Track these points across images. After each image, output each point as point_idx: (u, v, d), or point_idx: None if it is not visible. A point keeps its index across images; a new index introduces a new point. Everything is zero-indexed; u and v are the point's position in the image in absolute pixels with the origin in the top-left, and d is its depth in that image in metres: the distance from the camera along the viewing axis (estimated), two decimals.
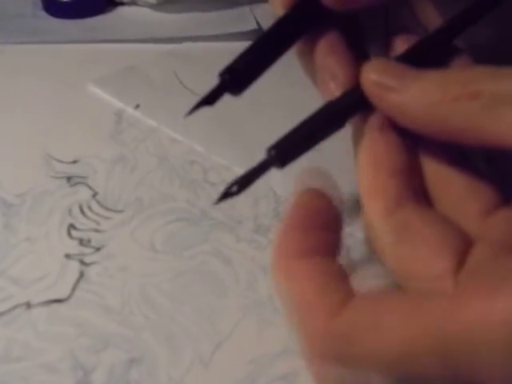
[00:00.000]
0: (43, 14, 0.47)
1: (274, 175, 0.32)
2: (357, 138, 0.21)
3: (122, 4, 0.49)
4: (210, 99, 0.21)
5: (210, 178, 0.31)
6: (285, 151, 0.20)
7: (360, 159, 0.19)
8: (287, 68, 0.42)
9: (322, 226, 0.18)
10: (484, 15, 0.22)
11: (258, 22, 0.48)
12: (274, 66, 0.31)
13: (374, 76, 0.18)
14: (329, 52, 0.22)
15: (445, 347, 0.14)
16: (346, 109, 0.20)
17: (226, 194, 0.20)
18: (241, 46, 0.49)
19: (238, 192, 0.20)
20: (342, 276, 0.17)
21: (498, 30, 0.27)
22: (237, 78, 0.21)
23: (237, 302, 0.25)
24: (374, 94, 0.19)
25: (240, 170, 0.32)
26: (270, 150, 0.20)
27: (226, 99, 0.41)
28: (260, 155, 0.35)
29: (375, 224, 0.18)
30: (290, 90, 0.38)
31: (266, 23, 0.49)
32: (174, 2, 0.49)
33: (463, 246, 0.17)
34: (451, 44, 0.22)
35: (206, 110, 0.38)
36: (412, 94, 0.17)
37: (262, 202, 0.30)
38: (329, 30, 0.22)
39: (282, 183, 0.31)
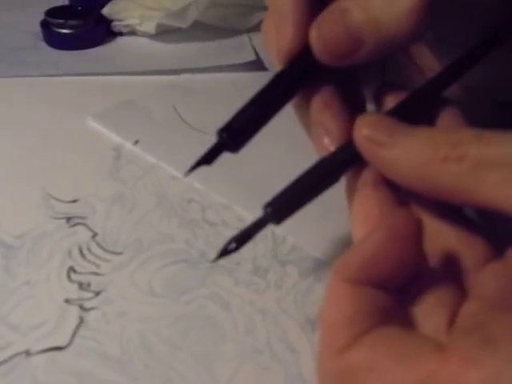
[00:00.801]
0: (44, 45, 0.48)
1: None
2: (350, 193, 0.21)
3: (122, 34, 0.50)
4: (208, 158, 0.22)
5: (208, 217, 0.31)
6: (281, 208, 0.20)
7: (353, 215, 0.20)
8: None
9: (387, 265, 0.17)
10: (473, 66, 0.23)
11: (256, 52, 0.48)
12: None
13: (366, 131, 0.19)
14: (323, 108, 0.23)
15: None
16: (340, 164, 0.21)
17: (225, 252, 0.21)
18: (239, 77, 0.49)
19: (237, 249, 0.21)
20: (375, 311, 0.17)
21: (493, 71, 0.27)
22: (234, 136, 0.21)
23: (235, 349, 0.25)
24: (365, 149, 0.19)
25: (238, 209, 0.32)
26: (266, 207, 0.20)
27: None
28: (258, 192, 0.36)
29: None
30: (289, 126, 0.38)
31: (265, 52, 0.49)
32: (172, 32, 0.49)
33: (455, 301, 0.17)
34: (441, 96, 0.22)
35: (205, 147, 0.38)
36: (402, 151, 0.18)
37: (261, 243, 0.30)
38: (324, 84, 0.23)
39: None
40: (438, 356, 0.15)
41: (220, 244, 0.30)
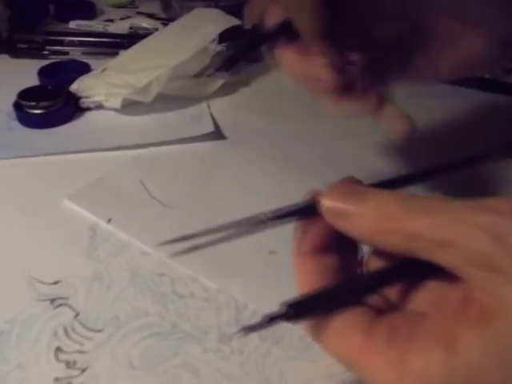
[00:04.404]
0: (17, 124, 0.52)
1: (234, 283, 0.37)
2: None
3: (90, 109, 0.54)
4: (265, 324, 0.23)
5: (177, 290, 0.36)
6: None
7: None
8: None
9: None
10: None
11: (214, 121, 0.53)
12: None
13: (327, 204, 0.24)
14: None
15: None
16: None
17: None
18: (200, 147, 0.54)
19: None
20: (330, 273, 0.25)
21: None
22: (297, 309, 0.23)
23: None
24: (328, 219, 0.24)
25: (205, 281, 0.36)
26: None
27: (193, 209, 0.46)
28: (222, 264, 0.40)
29: None
30: (245, 195, 0.43)
31: (223, 119, 0.54)
32: (136, 105, 0.54)
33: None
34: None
35: (172, 221, 0.42)
36: (353, 223, 0.23)
37: (224, 312, 0.34)
38: None
39: (242, 290, 0.36)
40: (365, 337, 0.22)
41: (189, 315, 0.34)
